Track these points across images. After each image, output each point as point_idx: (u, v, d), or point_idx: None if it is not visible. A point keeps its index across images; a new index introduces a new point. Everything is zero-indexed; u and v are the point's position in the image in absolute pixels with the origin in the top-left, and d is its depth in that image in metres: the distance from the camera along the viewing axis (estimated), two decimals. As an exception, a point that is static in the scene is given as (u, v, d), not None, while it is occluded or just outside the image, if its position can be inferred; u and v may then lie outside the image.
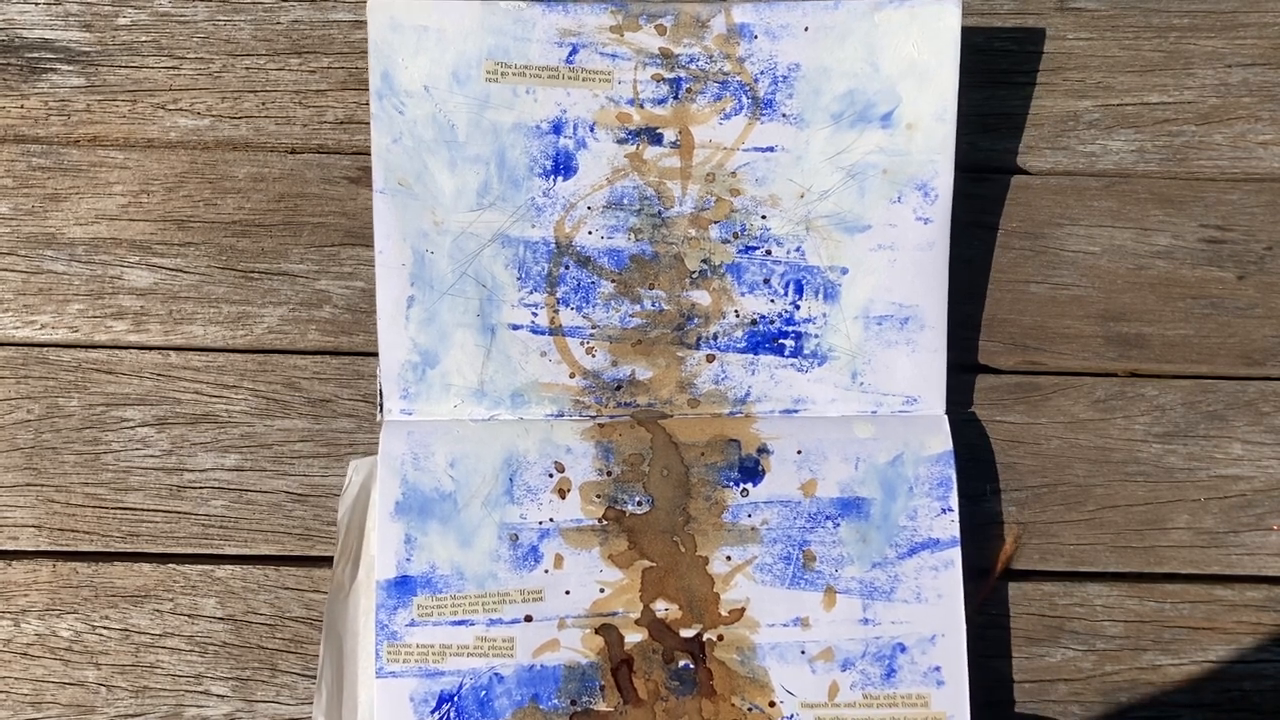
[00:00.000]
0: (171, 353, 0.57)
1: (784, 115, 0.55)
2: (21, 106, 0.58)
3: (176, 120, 0.58)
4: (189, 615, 0.56)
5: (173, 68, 0.58)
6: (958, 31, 0.54)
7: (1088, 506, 0.56)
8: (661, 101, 0.56)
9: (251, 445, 0.56)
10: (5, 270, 0.57)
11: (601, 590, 0.53)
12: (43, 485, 0.56)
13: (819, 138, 0.55)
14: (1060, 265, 0.58)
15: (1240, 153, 0.58)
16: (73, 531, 0.56)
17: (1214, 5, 0.59)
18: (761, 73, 0.55)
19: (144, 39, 0.58)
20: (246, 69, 0.58)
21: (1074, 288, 0.57)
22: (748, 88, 0.55)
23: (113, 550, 0.56)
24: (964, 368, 0.57)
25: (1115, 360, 0.57)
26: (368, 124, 0.56)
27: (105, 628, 0.55)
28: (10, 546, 0.56)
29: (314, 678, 0.55)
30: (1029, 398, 0.57)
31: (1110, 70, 0.59)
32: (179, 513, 0.56)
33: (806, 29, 0.55)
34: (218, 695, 0.55)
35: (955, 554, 0.53)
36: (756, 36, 0.55)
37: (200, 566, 0.56)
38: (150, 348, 0.57)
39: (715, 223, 0.56)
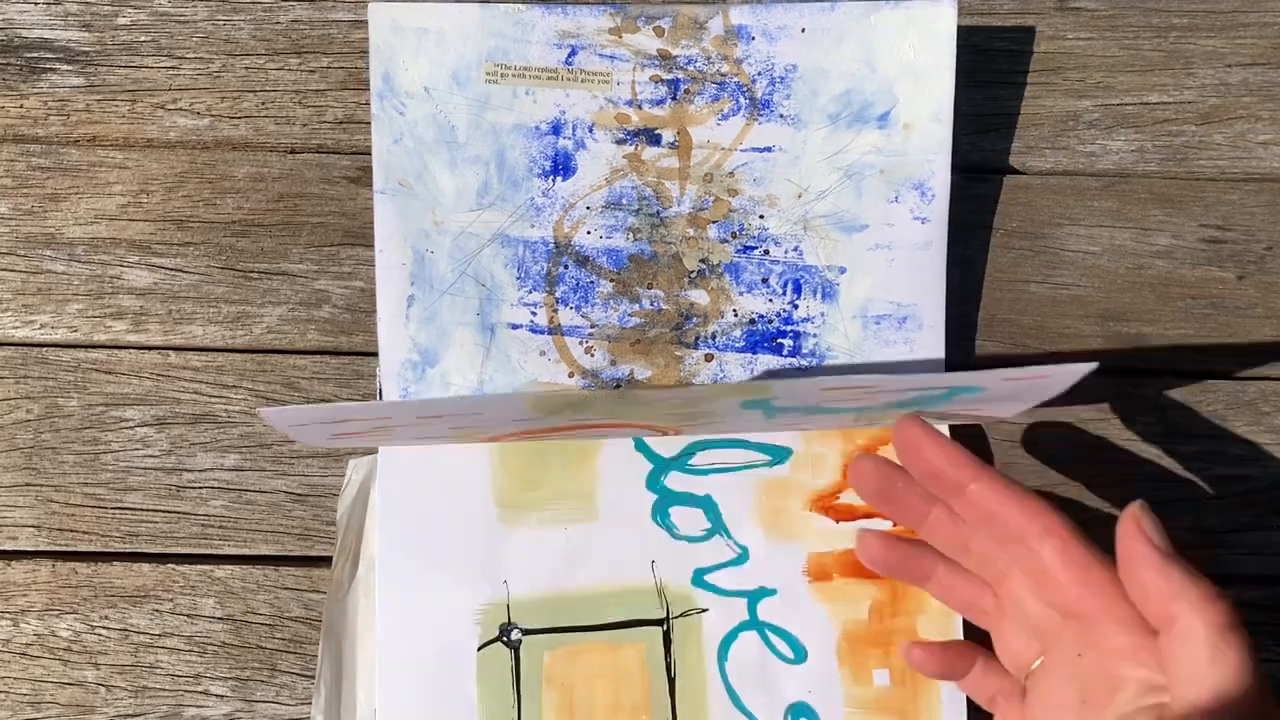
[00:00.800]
0: (171, 353, 0.57)
1: (781, 116, 0.55)
2: (21, 106, 0.58)
3: (176, 120, 0.58)
4: (188, 615, 0.56)
5: (172, 68, 0.58)
6: (954, 32, 0.54)
7: (1088, 506, 0.56)
8: (660, 102, 0.56)
9: (251, 445, 0.56)
10: (4, 270, 0.57)
11: None
12: (42, 485, 0.56)
13: (816, 138, 0.55)
14: (1060, 265, 0.57)
15: (1240, 153, 0.58)
16: (72, 531, 0.56)
17: (1214, 5, 0.59)
18: (759, 74, 0.55)
19: (143, 39, 0.58)
20: (246, 69, 0.58)
21: (1074, 288, 0.57)
22: (745, 89, 0.55)
23: (112, 550, 0.56)
24: (963, 368, 0.57)
25: (1115, 360, 0.57)
26: (368, 124, 0.56)
27: (104, 628, 0.55)
28: (9, 546, 0.56)
29: (313, 678, 0.55)
30: (1028, 398, 0.57)
31: (1110, 70, 0.59)
32: (178, 513, 0.56)
33: (803, 30, 0.55)
34: (217, 695, 0.55)
35: None
36: (754, 38, 0.55)
37: (200, 566, 0.56)
38: (150, 348, 0.57)
39: (713, 222, 0.56)
